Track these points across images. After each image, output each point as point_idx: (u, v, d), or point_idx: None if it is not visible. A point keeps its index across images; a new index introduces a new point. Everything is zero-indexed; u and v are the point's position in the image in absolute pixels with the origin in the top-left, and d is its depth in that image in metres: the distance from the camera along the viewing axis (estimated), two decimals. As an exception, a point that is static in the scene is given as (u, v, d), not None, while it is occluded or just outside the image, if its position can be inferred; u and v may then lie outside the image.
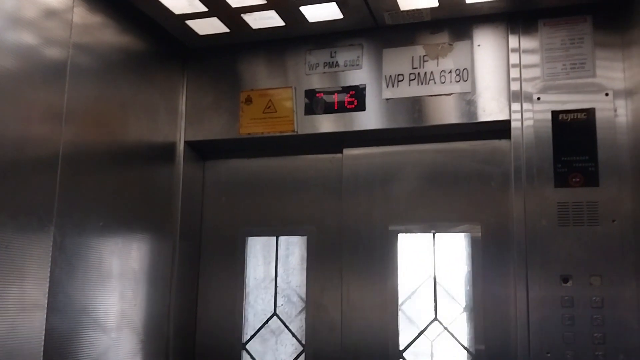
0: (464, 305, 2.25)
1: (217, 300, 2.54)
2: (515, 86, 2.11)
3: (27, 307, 1.66)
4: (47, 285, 1.73)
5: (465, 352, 2.22)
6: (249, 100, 2.43)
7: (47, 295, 1.73)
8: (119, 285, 2.08)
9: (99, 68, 2.02)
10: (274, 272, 2.53)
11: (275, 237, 2.55)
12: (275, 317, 2.50)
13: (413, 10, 2.16)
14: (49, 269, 1.74)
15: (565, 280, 1.97)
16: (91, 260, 1.94)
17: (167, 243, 2.38)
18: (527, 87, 2.10)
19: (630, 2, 1.93)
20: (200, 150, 2.60)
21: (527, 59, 2.12)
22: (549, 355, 1.94)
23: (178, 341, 2.40)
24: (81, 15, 1.93)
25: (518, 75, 2.12)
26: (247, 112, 2.42)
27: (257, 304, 2.54)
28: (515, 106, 2.10)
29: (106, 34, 2.07)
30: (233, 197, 2.59)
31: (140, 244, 2.21)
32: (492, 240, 2.21)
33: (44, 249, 1.73)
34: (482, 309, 2.19)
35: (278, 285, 2.52)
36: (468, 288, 2.24)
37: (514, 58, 2.13)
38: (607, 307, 1.92)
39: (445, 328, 2.26)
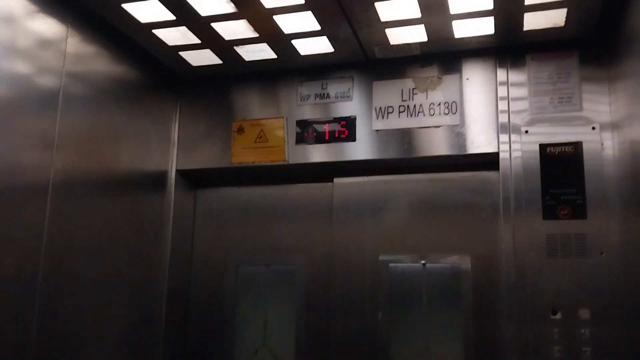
0: (454, 337, 2.23)
1: (208, 329, 2.51)
2: (503, 119, 2.14)
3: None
4: (35, 314, 1.72)
5: (455, 384, 2.20)
6: (241, 130, 2.45)
7: (35, 327, 1.71)
8: (109, 315, 2.06)
9: (91, 97, 2.04)
10: (264, 302, 2.52)
11: (265, 266, 2.54)
12: (264, 348, 2.48)
13: (403, 44, 2.20)
14: (36, 298, 1.73)
15: (554, 312, 1.97)
16: (80, 289, 1.93)
17: (158, 272, 2.37)
18: (515, 120, 2.13)
19: (615, 38, 1.97)
20: (192, 179, 2.61)
21: (515, 92, 2.15)
22: (538, 388, 1.93)
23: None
24: (75, 45, 1.96)
25: (506, 108, 2.15)
26: (239, 142, 2.44)
27: (247, 334, 2.51)
28: (504, 138, 2.13)
29: (99, 63, 2.10)
30: (224, 226, 2.59)
31: (130, 274, 2.20)
32: (481, 271, 2.21)
33: (31, 278, 1.72)
34: (472, 341, 2.17)
35: (268, 315, 2.51)
36: (459, 319, 2.23)
37: (502, 91, 2.17)
38: (596, 340, 1.92)
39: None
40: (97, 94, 2.07)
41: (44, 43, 1.83)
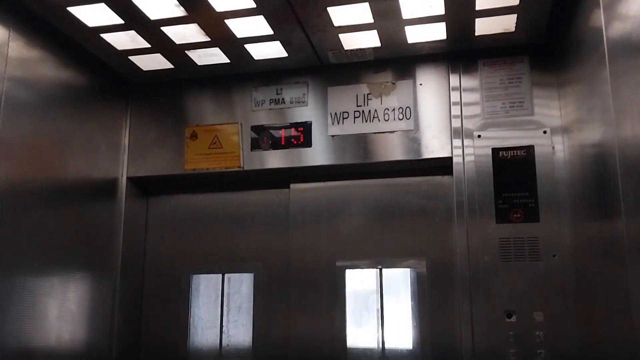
0: (411, 341, 2.23)
1: (161, 340, 2.45)
2: (456, 124, 2.16)
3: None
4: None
5: (413, 390, 2.20)
6: (194, 136, 2.40)
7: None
8: (55, 327, 1.99)
9: (36, 102, 1.96)
10: (219, 311, 2.47)
11: (221, 275, 2.49)
12: (221, 356, 2.43)
13: (356, 49, 2.20)
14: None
15: (509, 315, 1.98)
16: (27, 301, 1.85)
17: (108, 282, 2.30)
18: (468, 125, 2.15)
19: (563, 45, 2.01)
20: (144, 187, 2.54)
21: (468, 97, 2.17)
22: (495, 392, 1.94)
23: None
24: (18, 49, 1.88)
25: (459, 113, 2.16)
26: (193, 148, 2.39)
27: (202, 344, 2.46)
28: (457, 143, 2.14)
29: (45, 68, 2.03)
30: (177, 234, 2.54)
31: (78, 284, 2.12)
32: (437, 275, 2.22)
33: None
34: (429, 344, 2.18)
35: (224, 324, 2.46)
36: (415, 323, 2.23)
37: (454, 96, 2.18)
38: (549, 342, 1.94)
39: (393, 366, 2.24)
40: (42, 100, 2.00)
41: (-16, 47, 1.76)
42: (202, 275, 2.50)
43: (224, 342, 2.44)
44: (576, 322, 1.93)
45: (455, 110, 2.16)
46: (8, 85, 1.83)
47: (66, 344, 2.05)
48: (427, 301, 2.21)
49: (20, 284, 1.84)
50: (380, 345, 2.26)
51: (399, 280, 2.29)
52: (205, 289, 2.50)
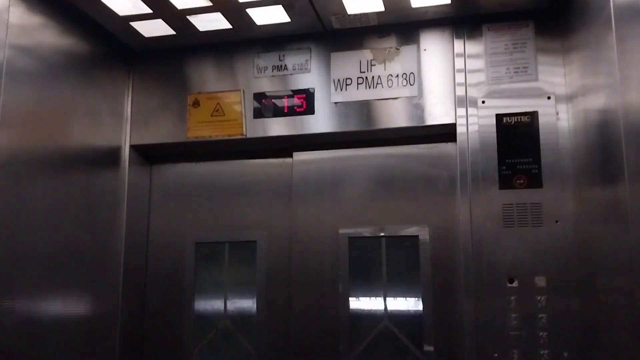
0: (413, 308, 2.26)
1: (166, 307, 2.48)
2: (460, 90, 2.14)
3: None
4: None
5: (415, 353, 2.22)
6: (196, 103, 2.39)
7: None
8: (61, 292, 2.01)
9: (38, 70, 1.95)
10: (223, 278, 2.49)
11: (224, 243, 2.51)
12: (225, 322, 2.46)
13: (360, 14, 2.17)
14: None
15: (511, 280, 2.00)
16: (32, 269, 1.87)
17: (112, 251, 2.31)
18: (472, 91, 2.13)
19: (568, 10, 1.99)
20: (147, 155, 2.54)
21: (472, 63, 2.16)
22: (496, 355, 1.97)
23: (124, 349, 2.34)
24: (19, 15, 1.87)
25: (463, 80, 2.15)
26: (195, 116, 2.39)
27: (206, 310, 2.49)
28: (461, 110, 2.13)
29: (46, 35, 2.01)
30: (181, 203, 2.55)
31: (82, 251, 2.14)
32: (439, 241, 2.23)
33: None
34: (431, 311, 2.20)
35: (228, 291, 2.48)
36: (418, 290, 2.25)
37: (459, 62, 2.17)
38: (551, 307, 1.96)
39: (396, 331, 2.26)
40: (44, 68, 1.99)
41: (-17, 13, 1.74)
42: (206, 243, 2.52)
43: (229, 309, 2.46)
44: (578, 287, 1.94)
45: (460, 76, 2.15)
46: (9, 52, 1.81)
47: (74, 311, 2.08)
48: (430, 267, 2.22)
49: (27, 253, 1.86)
50: (384, 312, 2.28)
51: (402, 247, 2.30)
52: (210, 257, 2.52)
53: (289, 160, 2.45)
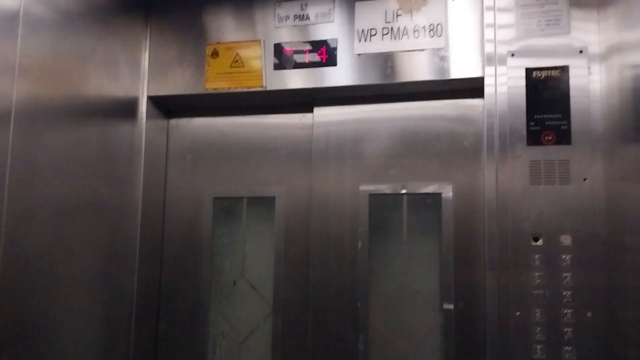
0: (434, 265, 2.23)
1: (183, 262, 2.47)
2: (489, 43, 2.06)
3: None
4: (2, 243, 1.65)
5: (434, 311, 2.20)
6: (215, 54, 2.33)
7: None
8: (77, 244, 1.99)
9: (55, 17, 1.89)
10: (241, 234, 2.47)
11: (242, 198, 2.48)
12: (243, 279, 2.45)
13: (387, -40, 2.10)
14: (4, 223, 1.65)
15: (536, 239, 1.96)
16: (49, 218, 1.85)
17: (130, 202, 2.29)
18: (502, 45, 2.05)
19: (607, -43, 1.90)
20: (164, 107, 2.50)
21: (502, 16, 2.07)
22: (518, 314, 1.94)
23: (141, 304, 2.34)
24: (34, -40, 1.80)
25: (492, 32, 2.07)
26: (214, 67, 2.33)
27: (224, 266, 2.48)
28: (489, 64, 2.05)
29: (63, -20, 1.95)
30: (199, 157, 2.51)
31: (100, 203, 2.11)
32: (463, 200, 2.19)
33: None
34: (452, 269, 2.17)
35: (246, 247, 2.47)
36: (439, 247, 2.22)
37: (488, 16, 2.08)
38: (575, 266, 1.92)
39: (415, 289, 2.24)
40: (61, 16, 1.92)
41: (0, -44, 1.68)
42: (224, 199, 2.49)
43: (246, 265, 2.45)
44: (604, 247, 1.90)
45: (489, 27, 2.06)
46: (26, 0, 1.76)
47: (91, 264, 2.06)
48: (452, 226, 2.18)
49: (45, 201, 1.83)
50: (403, 270, 2.26)
51: (424, 204, 2.26)
52: (228, 212, 2.50)
53: (309, 115, 2.40)
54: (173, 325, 2.46)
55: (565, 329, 1.90)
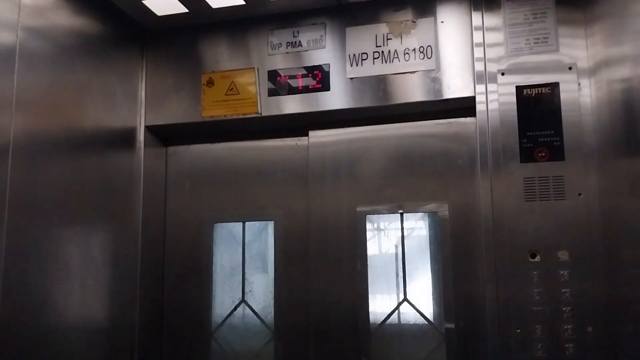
0: (433, 285, 2.23)
1: (184, 288, 2.48)
2: (479, 62, 2.10)
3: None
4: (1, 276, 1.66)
5: (435, 331, 2.20)
6: (210, 83, 2.37)
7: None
8: (78, 275, 2.01)
9: (51, 52, 1.93)
10: (241, 259, 2.48)
11: (242, 223, 2.50)
12: (243, 304, 2.46)
13: (375, -14, 2.13)
14: (2, 259, 1.67)
15: (533, 255, 1.97)
16: (48, 251, 1.87)
17: (130, 232, 2.31)
18: (492, 63, 2.08)
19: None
20: (162, 136, 2.53)
21: (491, 35, 2.10)
22: (518, 331, 1.94)
23: (144, 331, 2.34)
24: (31, -5, 1.85)
25: (482, 51, 2.10)
26: (209, 95, 2.36)
27: (224, 291, 2.49)
28: (480, 82, 2.09)
29: (59, 15, 1.99)
30: (197, 183, 2.54)
31: (100, 233, 2.14)
32: (459, 218, 2.20)
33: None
34: (451, 288, 2.17)
35: (246, 271, 2.48)
36: (437, 267, 2.22)
37: (477, 36, 2.11)
38: (574, 281, 1.92)
39: (416, 308, 2.24)
40: (58, 49, 1.96)
41: (-5, -6, 1.72)
42: (223, 224, 2.51)
43: (246, 289, 2.46)
44: (601, 261, 1.90)
45: (478, 51, 2.09)
46: (22, 34, 1.79)
47: (92, 294, 2.08)
48: (450, 244, 2.19)
49: (44, 235, 1.85)
50: (402, 289, 2.26)
51: (421, 224, 2.28)
52: (227, 238, 2.52)
53: (304, 139, 2.43)
54: (176, 353, 2.46)
55: (567, 345, 1.91)
